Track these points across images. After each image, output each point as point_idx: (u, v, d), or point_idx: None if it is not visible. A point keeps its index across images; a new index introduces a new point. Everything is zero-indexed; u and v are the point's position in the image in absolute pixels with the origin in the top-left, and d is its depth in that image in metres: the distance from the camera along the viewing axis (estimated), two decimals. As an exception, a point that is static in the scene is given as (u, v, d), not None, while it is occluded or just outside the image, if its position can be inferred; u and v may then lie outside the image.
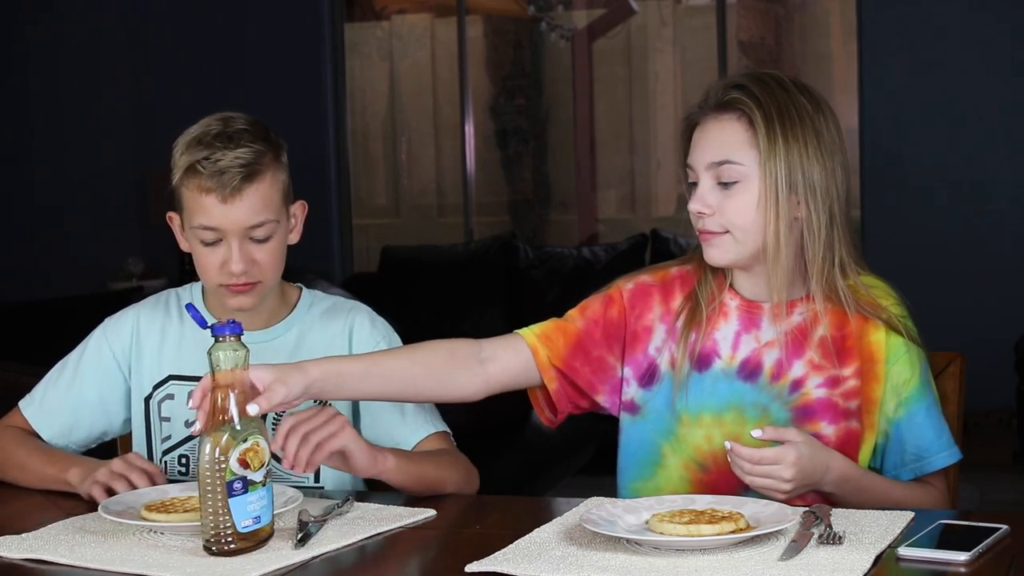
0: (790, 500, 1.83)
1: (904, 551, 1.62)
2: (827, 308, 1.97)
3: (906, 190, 5.98)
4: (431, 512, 1.92)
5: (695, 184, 1.98)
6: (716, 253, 1.98)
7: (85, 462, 2.10)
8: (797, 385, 1.97)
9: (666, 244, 6.45)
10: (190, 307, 2.03)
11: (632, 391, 2.06)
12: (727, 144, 1.95)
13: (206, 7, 7.03)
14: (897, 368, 1.96)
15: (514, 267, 6.78)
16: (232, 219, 2.04)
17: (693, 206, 1.97)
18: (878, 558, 1.61)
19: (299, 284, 2.25)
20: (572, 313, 2.09)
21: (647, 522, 1.73)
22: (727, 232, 1.96)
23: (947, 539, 1.65)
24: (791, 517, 1.71)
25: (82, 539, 1.82)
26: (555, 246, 7.08)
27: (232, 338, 1.73)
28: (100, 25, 7.18)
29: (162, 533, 1.82)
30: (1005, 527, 1.68)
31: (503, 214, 8.47)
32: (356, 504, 1.95)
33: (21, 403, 2.25)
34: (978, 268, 5.88)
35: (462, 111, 7.47)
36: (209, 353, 1.73)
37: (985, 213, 5.91)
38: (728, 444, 1.83)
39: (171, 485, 2.02)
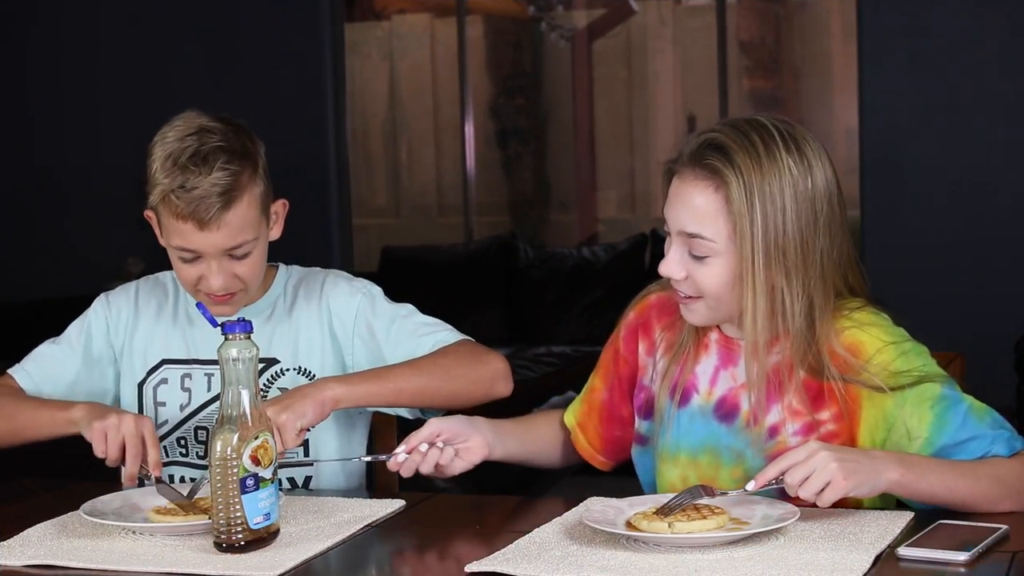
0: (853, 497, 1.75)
1: (904, 551, 1.62)
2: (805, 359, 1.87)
3: (906, 190, 5.98)
4: (400, 503, 1.95)
5: (669, 236, 1.88)
6: (691, 316, 1.91)
7: (90, 403, 2.08)
8: (774, 432, 1.89)
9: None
10: (200, 306, 2.05)
11: (638, 425, 2.06)
12: (699, 215, 1.82)
13: (205, 7, 7.02)
14: (897, 427, 1.84)
15: (514, 267, 6.78)
16: (210, 243, 2.03)
17: (663, 270, 1.87)
18: (878, 558, 1.61)
19: (277, 264, 2.24)
20: (597, 381, 2.13)
21: (628, 522, 1.73)
22: (700, 297, 1.87)
23: (946, 539, 1.65)
24: (794, 514, 1.71)
25: (79, 543, 1.81)
26: (555, 246, 7.08)
27: (242, 336, 1.74)
28: (99, 25, 7.18)
29: (153, 535, 1.82)
30: (1005, 527, 1.68)
31: (503, 214, 8.47)
32: (329, 499, 2.00)
33: (11, 370, 2.24)
34: (978, 268, 5.88)
35: (462, 111, 7.47)
36: (219, 351, 1.74)
37: (985, 213, 5.91)
38: (750, 486, 1.73)
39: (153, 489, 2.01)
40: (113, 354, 2.23)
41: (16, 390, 2.20)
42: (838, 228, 1.85)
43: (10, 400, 2.15)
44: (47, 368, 2.22)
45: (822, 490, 1.69)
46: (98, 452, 1.96)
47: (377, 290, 2.22)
